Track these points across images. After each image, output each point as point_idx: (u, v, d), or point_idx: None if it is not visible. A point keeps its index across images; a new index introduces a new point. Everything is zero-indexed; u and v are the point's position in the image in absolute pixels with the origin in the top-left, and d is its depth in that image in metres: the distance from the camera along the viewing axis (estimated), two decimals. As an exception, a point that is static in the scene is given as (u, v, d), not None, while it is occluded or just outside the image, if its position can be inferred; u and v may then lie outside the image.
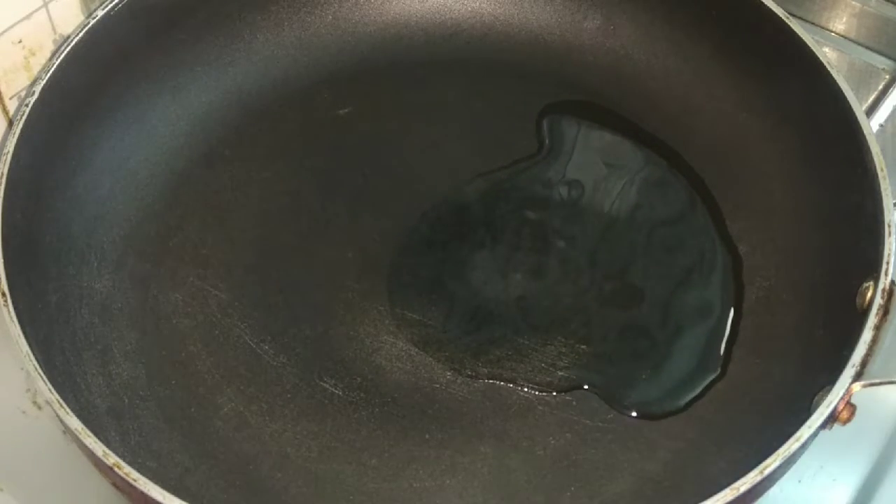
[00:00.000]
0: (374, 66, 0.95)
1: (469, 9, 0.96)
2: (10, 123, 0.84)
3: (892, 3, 0.99)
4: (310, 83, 0.93)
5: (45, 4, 0.81)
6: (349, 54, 0.95)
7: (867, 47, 1.00)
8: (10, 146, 0.73)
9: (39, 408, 0.79)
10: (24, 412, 0.78)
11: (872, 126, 0.86)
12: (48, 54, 0.83)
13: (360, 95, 0.93)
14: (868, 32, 1.00)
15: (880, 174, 0.74)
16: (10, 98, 0.83)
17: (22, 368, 0.80)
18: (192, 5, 0.87)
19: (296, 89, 0.93)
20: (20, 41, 0.81)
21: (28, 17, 0.80)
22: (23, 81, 0.83)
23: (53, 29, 0.82)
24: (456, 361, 0.78)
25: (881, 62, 0.99)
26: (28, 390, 0.79)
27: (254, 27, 0.92)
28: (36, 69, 0.83)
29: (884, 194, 0.72)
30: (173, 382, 0.76)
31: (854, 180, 0.75)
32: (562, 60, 0.94)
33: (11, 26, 0.80)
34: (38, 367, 0.64)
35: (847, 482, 0.77)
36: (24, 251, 0.72)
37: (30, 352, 0.65)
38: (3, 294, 0.67)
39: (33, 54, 0.82)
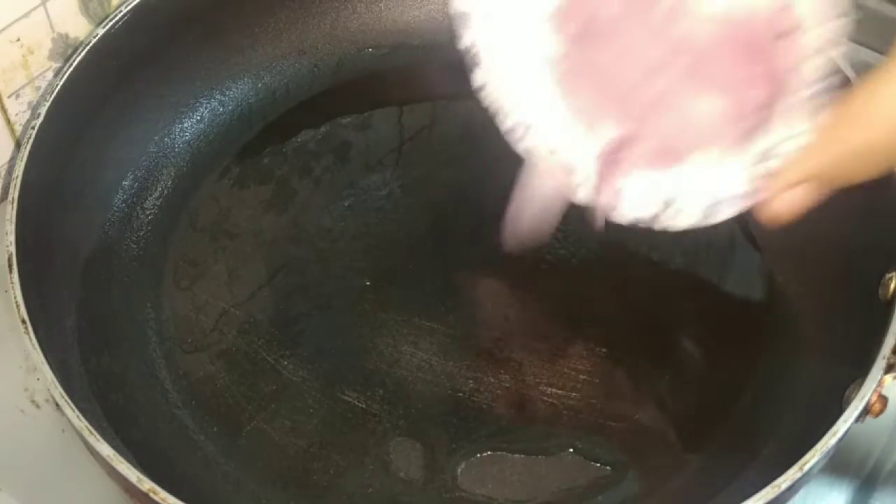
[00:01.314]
0: (375, 74, 0.94)
1: (468, 13, 0.96)
2: (19, 146, 0.83)
3: (890, 2, 0.99)
4: (311, 93, 0.93)
5: (44, 3, 0.80)
6: (350, 63, 0.94)
7: (865, 46, 1.00)
8: (20, 170, 0.72)
9: (38, 406, 0.78)
10: (22, 411, 0.78)
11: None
12: (46, 53, 0.82)
13: (362, 104, 0.92)
14: (866, 31, 1.00)
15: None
16: (9, 97, 0.82)
17: (20, 367, 0.79)
18: (190, 20, 0.86)
19: (297, 100, 0.93)
20: (18, 39, 0.80)
21: (26, 15, 0.79)
22: (21, 80, 0.82)
23: (52, 27, 0.81)
24: (478, 369, 0.77)
25: (879, 60, 0.98)
26: (26, 389, 0.78)
27: (253, 39, 0.91)
28: (34, 68, 0.82)
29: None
30: (193, 403, 0.76)
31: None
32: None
33: (9, 24, 0.78)
34: (64, 394, 0.63)
35: (848, 476, 0.77)
36: (36, 275, 0.71)
37: (54, 379, 0.63)
38: (24, 321, 0.66)
39: (31, 53, 0.81)
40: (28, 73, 0.82)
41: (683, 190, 0.60)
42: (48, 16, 0.81)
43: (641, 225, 0.64)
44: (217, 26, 0.89)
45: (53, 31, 0.82)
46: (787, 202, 0.55)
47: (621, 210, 0.62)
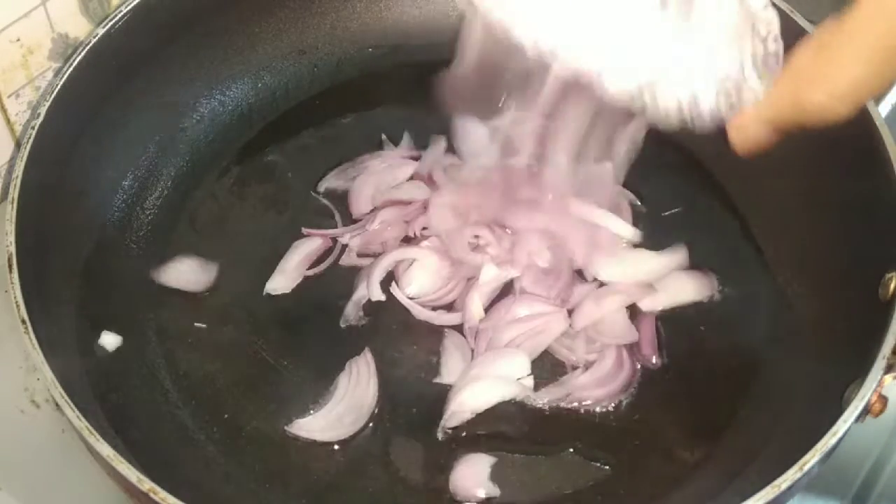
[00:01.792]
0: (374, 74, 0.94)
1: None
2: (19, 146, 0.83)
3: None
4: (311, 93, 0.93)
5: (44, 2, 0.80)
6: (349, 63, 0.94)
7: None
8: (20, 170, 0.72)
9: (38, 406, 0.78)
10: (22, 411, 0.78)
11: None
12: (46, 53, 0.82)
13: (362, 103, 0.92)
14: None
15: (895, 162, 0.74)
16: (9, 97, 0.82)
17: (20, 367, 0.79)
18: (190, 20, 0.86)
19: (297, 100, 0.92)
20: (18, 39, 0.79)
21: (26, 15, 0.79)
22: (21, 80, 0.82)
23: (52, 27, 0.81)
24: (478, 369, 0.77)
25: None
26: (26, 389, 0.78)
27: (253, 39, 0.91)
28: (34, 68, 0.82)
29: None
30: (193, 403, 0.76)
31: (867, 169, 0.75)
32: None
33: (9, 24, 0.78)
34: (64, 394, 0.63)
35: (849, 475, 0.77)
36: (36, 275, 0.71)
37: (54, 379, 0.63)
38: (24, 321, 0.66)
39: (31, 53, 0.81)
40: (28, 72, 0.82)
41: (664, 75, 0.62)
42: (48, 16, 0.81)
43: (625, 100, 0.64)
44: (217, 27, 0.88)
45: (53, 31, 0.82)
46: (746, 137, 0.61)
47: (606, 82, 0.63)
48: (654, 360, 0.77)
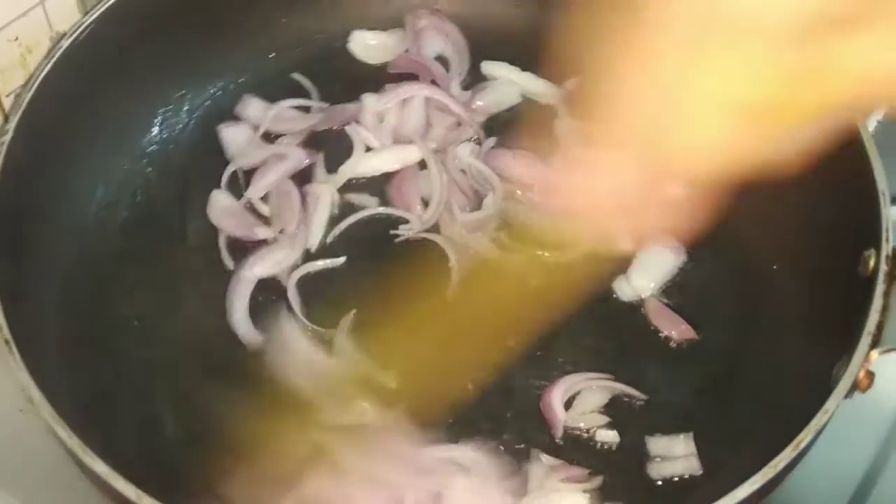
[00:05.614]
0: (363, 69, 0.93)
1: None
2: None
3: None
4: (303, 89, 0.91)
5: (42, 2, 0.79)
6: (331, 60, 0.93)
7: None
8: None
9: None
10: (20, 410, 0.77)
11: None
12: (45, 52, 0.80)
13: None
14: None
15: (867, 142, 0.74)
16: (7, 96, 0.81)
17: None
18: (179, 15, 0.85)
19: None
20: (17, 38, 0.79)
21: (24, 14, 0.79)
22: (19, 79, 0.81)
23: (50, 26, 0.81)
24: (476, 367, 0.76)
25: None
26: (24, 388, 0.77)
27: (242, 35, 0.90)
28: (32, 67, 0.80)
29: (874, 162, 0.73)
30: (185, 415, 0.75)
31: (842, 149, 0.75)
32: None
33: (8, 23, 0.78)
34: (53, 413, 0.62)
35: (859, 451, 0.79)
36: (16, 294, 0.70)
37: (43, 398, 0.63)
38: (7, 342, 0.65)
39: (30, 52, 0.81)
40: (26, 72, 0.81)
41: None
42: (46, 15, 0.80)
43: None
44: (204, 22, 0.87)
45: (52, 31, 0.81)
46: None
47: None
48: (690, 335, 0.77)
